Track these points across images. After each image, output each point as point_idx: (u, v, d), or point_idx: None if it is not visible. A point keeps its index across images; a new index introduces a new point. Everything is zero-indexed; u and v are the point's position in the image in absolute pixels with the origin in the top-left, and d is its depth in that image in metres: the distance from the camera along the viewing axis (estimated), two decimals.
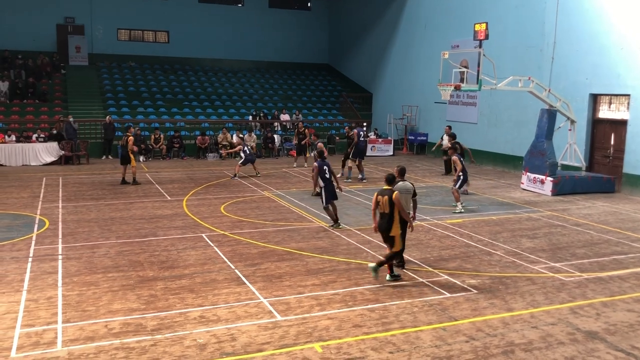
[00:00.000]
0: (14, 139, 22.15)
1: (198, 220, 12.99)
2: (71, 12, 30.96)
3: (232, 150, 21.93)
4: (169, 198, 15.69)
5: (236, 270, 9.43)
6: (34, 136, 22.57)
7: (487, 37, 16.95)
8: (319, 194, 13.27)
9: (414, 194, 9.61)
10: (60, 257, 10.10)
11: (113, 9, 31.62)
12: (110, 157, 24.04)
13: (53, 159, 22.06)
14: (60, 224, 12.51)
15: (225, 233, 11.86)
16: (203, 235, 11.68)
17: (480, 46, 17.11)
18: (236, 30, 34.29)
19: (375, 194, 9.15)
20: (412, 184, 9.76)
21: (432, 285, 8.80)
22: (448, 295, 8.48)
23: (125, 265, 9.65)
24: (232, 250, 10.64)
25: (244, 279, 9.03)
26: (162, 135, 24.76)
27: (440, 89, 17.10)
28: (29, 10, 29.60)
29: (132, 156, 17.49)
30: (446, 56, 17.25)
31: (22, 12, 29.45)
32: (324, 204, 12.66)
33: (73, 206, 14.39)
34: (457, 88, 16.87)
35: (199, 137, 24.95)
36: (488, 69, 16.91)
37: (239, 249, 10.70)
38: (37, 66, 28.95)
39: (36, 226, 12.29)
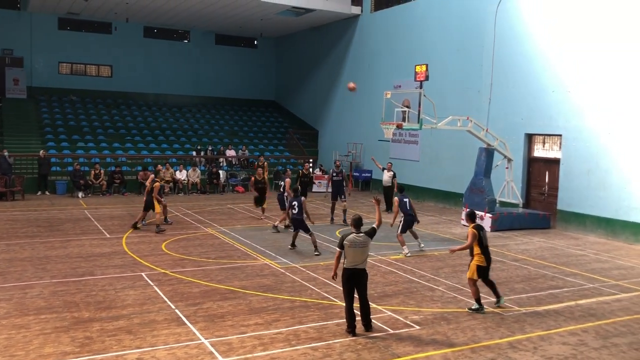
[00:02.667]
0: None
1: (138, 259, 12.62)
2: (9, 44, 30.15)
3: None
4: (107, 235, 15.21)
5: (177, 310, 9.17)
6: None
7: (427, 78, 17.57)
8: (288, 227, 14.99)
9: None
10: None
11: (54, 42, 31.03)
12: (47, 192, 23.20)
13: None
14: None
15: (166, 272, 11.56)
16: (143, 274, 11.34)
17: (421, 87, 17.71)
18: (181, 66, 34.23)
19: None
20: (351, 235, 8.44)
21: (375, 322, 8.81)
22: (391, 331, 8.51)
23: (59, 306, 9.22)
24: (173, 289, 10.36)
25: (184, 319, 8.79)
26: (102, 171, 24.13)
27: (383, 127, 17.50)
28: None
29: (155, 202, 16.08)
30: (389, 96, 17.72)
31: None
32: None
33: (5, 244, 13.73)
34: (399, 127, 17.29)
35: (140, 173, 24.42)
36: (429, 109, 17.47)
37: (180, 288, 10.44)
38: None
39: None
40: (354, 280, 8.31)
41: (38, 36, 30.63)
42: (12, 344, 7.64)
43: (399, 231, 13.94)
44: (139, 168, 25.29)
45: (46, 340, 7.81)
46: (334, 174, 18.53)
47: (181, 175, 25.29)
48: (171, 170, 25.00)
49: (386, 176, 21.00)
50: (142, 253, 13.18)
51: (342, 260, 8.42)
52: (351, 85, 18.69)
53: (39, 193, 23.16)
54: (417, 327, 8.73)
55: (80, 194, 22.77)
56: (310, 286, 10.77)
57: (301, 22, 30.65)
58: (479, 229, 9.55)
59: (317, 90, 32.37)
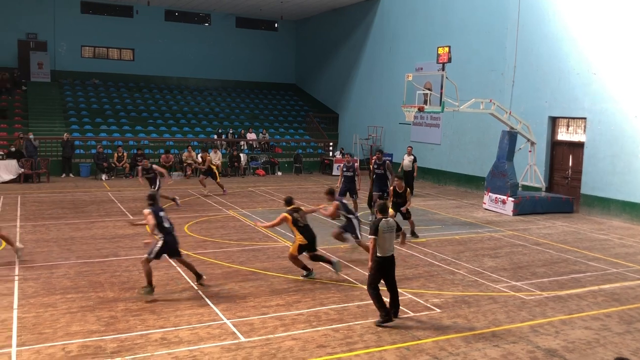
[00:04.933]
0: None
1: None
2: (33, 28, 30.44)
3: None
4: (131, 217, 15.42)
5: (199, 291, 9.30)
6: None
7: (449, 60, 17.35)
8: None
9: (398, 229, 8.69)
10: (16, 278, 9.80)
11: (77, 26, 31.24)
12: (71, 175, 23.56)
13: (12, 177, 21.47)
14: (18, 244, 12.13)
15: (189, 253, 11.70)
16: (165, 255, 11.48)
17: (443, 69, 17.49)
18: (203, 49, 34.25)
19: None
20: (393, 219, 8.61)
21: None
22: (412, 314, 8.53)
23: (84, 286, 9.42)
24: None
25: (207, 299, 8.91)
26: (125, 154, 24.40)
27: (404, 110, 17.37)
28: None
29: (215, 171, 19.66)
30: (410, 78, 17.56)
31: None
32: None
33: (32, 225, 14.02)
34: (420, 110, 17.15)
35: (163, 156, 24.67)
36: (451, 91, 17.28)
37: (202, 269, 10.54)
38: None
39: None
40: (388, 268, 8.15)
41: (61, 20, 30.88)
42: (40, 322, 7.83)
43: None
44: (162, 151, 25.53)
45: (73, 318, 7.99)
46: (345, 169, 16.08)
47: None
48: (193, 153, 25.17)
49: (406, 160, 20.87)
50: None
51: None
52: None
53: (64, 175, 23.54)
54: (438, 310, 8.74)
55: (103, 177, 23.09)
56: (331, 268, 10.81)
57: (322, 4, 30.42)
58: (293, 211, 10.21)
59: (338, 73, 32.20)
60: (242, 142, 28.46)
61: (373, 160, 16.44)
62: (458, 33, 22.75)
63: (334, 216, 11.96)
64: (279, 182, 23.88)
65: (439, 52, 17.65)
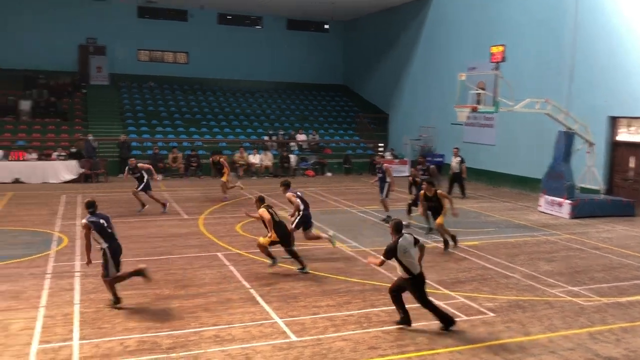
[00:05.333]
0: (35, 156, 22.51)
1: (214, 239, 13.04)
2: (93, 33, 31.58)
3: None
4: (185, 216, 15.78)
5: (251, 290, 9.43)
6: (55, 154, 22.91)
7: (504, 59, 16.99)
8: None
9: (416, 242, 8.00)
10: (77, 274, 10.19)
11: (134, 30, 32.23)
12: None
13: (73, 176, 22.35)
14: (78, 241, 12.63)
15: (241, 252, 11.88)
16: (218, 254, 11.72)
17: (497, 68, 17.14)
18: (254, 52, 34.70)
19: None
20: (411, 234, 8.08)
21: (448, 308, 8.72)
22: (464, 317, 8.39)
23: (141, 283, 9.66)
24: (248, 269, 10.65)
25: (259, 298, 9.02)
26: (179, 155, 25.00)
27: (457, 110, 17.11)
28: (51, 31, 30.24)
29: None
30: (463, 78, 17.29)
31: (44, 33, 30.05)
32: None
33: None
34: (473, 110, 16.87)
35: (214, 157, 25.08)
36: (505, 91, 16.90)
37: (254, 269, 10.71)
38: (58, 85, 29.51)
39: (54, 243, 12.43)
40: (421, 285, 7.82)
41: (119, 24, 31.94)
42: (100, 317, 8.12)
43: (292, 225, 11.63)
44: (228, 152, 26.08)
45: (130, 314, 8.25)
46: (378, 172, 16.10)
47: (254, 159, 25.82)
48: (245, 154, 25.55)
49: (454, 162, 20.56)
50: (217, 234, 13.60)
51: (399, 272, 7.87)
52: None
53: (120, 175, 24.29)
54: (492, 314, 8.56)
55: (159, 177, 23.72)
56: (381, 270, 10.76)
57: (372, 4, 30.33)
58: (268, 207, 10.60)
59: (388, 73, 32.01)
60: (292, 143, 28.69)
61: (417, 167, 16.62)
62: (512, 31, 22.22)
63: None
64: (328, 183, 23.93)
65: (492, 51, 17.34)
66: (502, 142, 23.16)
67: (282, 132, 29.49)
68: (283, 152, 27.07)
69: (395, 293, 7.98)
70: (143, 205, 16.44)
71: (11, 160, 22.08)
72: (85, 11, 31.22)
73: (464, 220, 15.75)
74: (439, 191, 12.75)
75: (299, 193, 12.07)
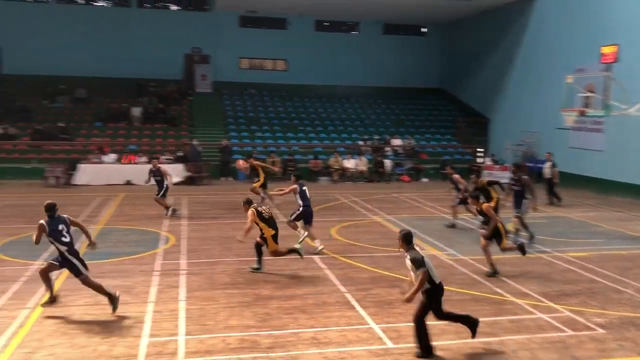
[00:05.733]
0: (144, 160, 23.94)
1: (310, 242, 13.22)
2: (198, 43, 33.18)
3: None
4: (283, 219, 16.13)
5: (347, 294, 9.48)
6: (163, 158, 24.26)
7: (616, 59, 15.96)
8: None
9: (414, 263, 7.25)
10: (183, 272, 10.72)
11: (236, 39, 33.51)
12: (230, 178, 25.19)
13: (179, 179, 23.55)
14: (184, 240, 13.30)
15: (336, 256, 11.98)
16: (314, 257, 11.88)
17: (608, 70, 16.13)
18: (351, 57, 34.89)
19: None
20: (415, 252, 7.49)
21: (552, 322, 8.32)
22: (570, 332, 7.96)
23: (242, 283, 10.04)
24: (343, 273, 10.72)
25: (354, 303, 9.05)
26: (277, 159, 25.63)
27: (563, 114, 16.30)
28: (160, 42, 32.05)
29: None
30: (570, 80, 16.44)
31: (154, 44, 31.93)
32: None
33: (196, 224, 15.24)
34: (581, 114, 16.00)
35: (311, 161, 25.57)
36: (617, 94, 15.87)
37: (349, 273, 10.76)
38: (166, 93, 31.28)
39: (162, 242, 13.16)
40: (441, 295, 7.29)
41: (222, 34, 33.33)
42: (204, 314, 8.49)
43: (291, 218, 12.65)
44: (310, 157, 26.46)
45: (232, 313, 8.56)
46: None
47: (349, 163, 25.96)
48: (339, 158, 25.76)
49: (546, 167, 19.66)
50: (313, 237, 13.76)
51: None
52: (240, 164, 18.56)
53: (222, 179, 25.30)
54: (601, 331, 8.06)
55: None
56: (480, 279, 10.46)
57: (471, 6, 29.59)
58: (256, 208, 10.77)
59: (488, 76, 31.04)
60: (387, 148, 28.55)
61: (510, 177, 14.79)
62: (625, 30, 20.78)
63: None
64: (424, 189, 23.57)
65: (604, 52, 16.38)
66: (613, 147, 21.72)
67: (377, 137, 29.45)
68: (378, 157, 27.00)
69: (422, 319, 7.12)
70: (168, 208, 16.22)
71: (123, 163, 23.63)
72: (191, 22, 32.91)
73: (568, 231, 14.97)
74: (484, 205, 11.01)
75: (304, 187, 12.58)
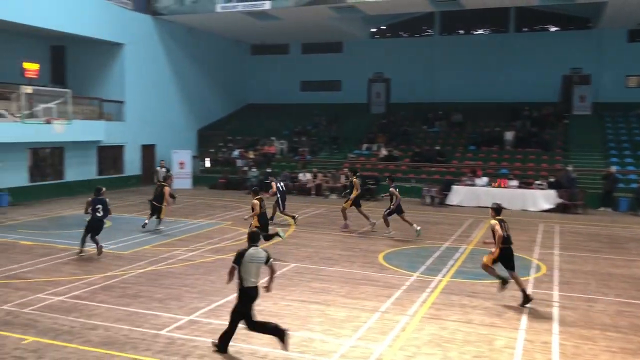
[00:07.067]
0: (516, 184, 23.73)
1: None
2: (578, 63, 31.37)
3: None
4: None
5: None
6: (534, 183, 23.64)
7: None
8: None
9: (267, 261, 7.67)
10: (556, 304, 10.18)
11: (623, 56, 30.45)
12: (609, 209, 22.88)
13: (550, 206, 22.55)
14: (556, 271, 12.65)
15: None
16: None
17: None
18: None
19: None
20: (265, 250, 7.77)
21: None
22: None
23: (625, 327, 8.98)
24: None
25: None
26: None
27: None
28: (536, 64, 31.51)
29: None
30: None
31: (530, 67, 31.58)
32: None
33: (569, 255, 14.33)
34: None
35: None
36: None
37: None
38: (541, 116, 30.44)
39: (532, 270, 12.77)
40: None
41: (606, 52, 30.71)
42: (579, 353, 7.90)
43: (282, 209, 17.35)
44: None
45: (612, 358, 7.72)
46: None
47: None
48: None
49: None
50: None
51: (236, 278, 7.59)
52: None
53: (601, 208, 23.13)
54: None
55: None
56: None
57: None
58: (261, 200, 13.25)
59: None
60: None
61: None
62: None
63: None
64: None
65: None
66: None
67: None
68: None
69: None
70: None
71: (494, 187, 23.87)
72: (570, 42, 31.39)
73: None
74: None
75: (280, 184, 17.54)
